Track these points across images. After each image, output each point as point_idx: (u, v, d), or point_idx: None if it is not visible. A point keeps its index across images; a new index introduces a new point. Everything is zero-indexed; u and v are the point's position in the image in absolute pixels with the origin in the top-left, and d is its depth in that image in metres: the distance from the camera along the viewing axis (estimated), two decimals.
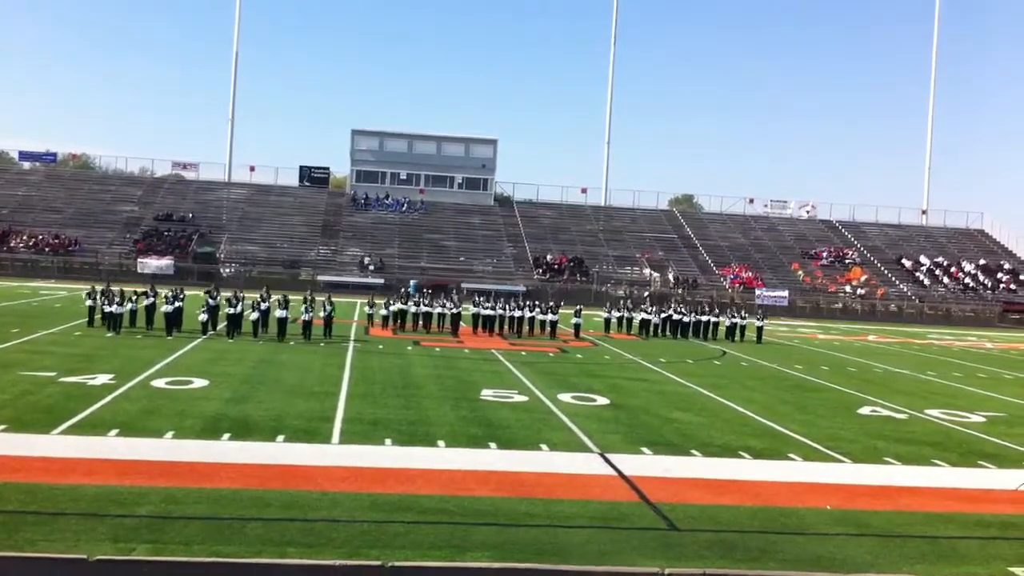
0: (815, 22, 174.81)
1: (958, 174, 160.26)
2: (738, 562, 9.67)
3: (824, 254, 77.20)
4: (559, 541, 10.05)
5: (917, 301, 70.33)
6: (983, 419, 20.55)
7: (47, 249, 62.57)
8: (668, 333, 38.39)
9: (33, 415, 15.08)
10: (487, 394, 19.90)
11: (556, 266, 68.82)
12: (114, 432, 14.14)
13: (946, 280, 74.66)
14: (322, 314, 30.13)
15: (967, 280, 74.56)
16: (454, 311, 34.66)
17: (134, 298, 29.44)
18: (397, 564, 8.77)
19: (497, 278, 65.82)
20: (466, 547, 9.60)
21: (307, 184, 79.79)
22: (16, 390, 17.21)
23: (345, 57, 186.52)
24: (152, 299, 29.49)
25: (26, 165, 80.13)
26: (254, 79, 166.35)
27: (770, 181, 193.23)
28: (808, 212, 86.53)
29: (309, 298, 29.97)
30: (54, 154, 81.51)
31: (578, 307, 36.89)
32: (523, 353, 28.74)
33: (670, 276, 69.27)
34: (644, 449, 15.14)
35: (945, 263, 77.28)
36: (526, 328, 35.31)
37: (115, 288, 29.71)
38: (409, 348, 28.49)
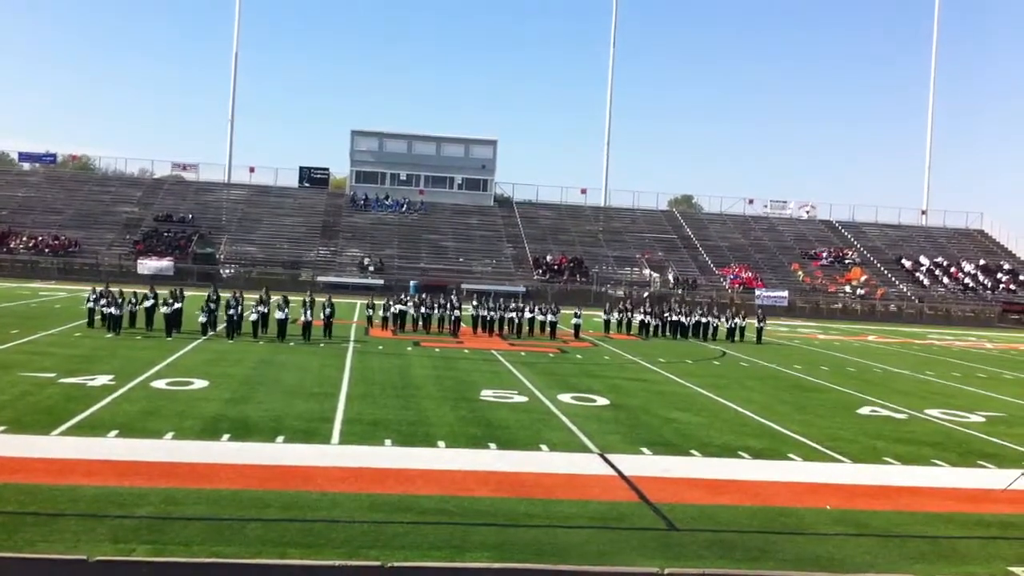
0: (815, 23, 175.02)
1: (958, 174, 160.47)
2: (737, 562, 9.67)
3: (824, 254, 77.23)
4: (559, 541, 10.05)
5: (917, 301, 70.35)
6: (983, 419, 20.56)
7: (47, 250, 62.59)
8: (668, 334, 38.39)
9: (33, 416, 15.08)
10: (487, 394, 19.90)
11: (556, 267, 68.82)
12: (114, 433, 14.14)
13: (946, 280, 74.68)
14: (322, 315, 30.14)
15: (967, 280, 74.58)
16: (455, 313, 34.64)
17: (134, 300, 29.43)
18: (397, 564, 8.78)
19: (497, 279, 65.85)
20: (466, 547, 9.60)
21: (307, 185, 79.84)
22: (16, 391, 17.21)
23: (344, 58, 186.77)
24: (152, 301, 29.47)
25: (26, 166, 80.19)
26: (254, 80, 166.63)
27: (770, 181, 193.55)
28: (808, 212, 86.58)
29: (309, 300, 29.95)
30: (54, 155, 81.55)
31: (578, 309, 36.76)
32: (523, 353, 28.74)
33: (670, 277, 69.28)
34: (643, 449, 15.15)
35: (945, 263, 77.31)
36: (526, 329, 35.32)
37: (114, 289, 29.70)
38: (409, 349, 28.49)
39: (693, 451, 15.28)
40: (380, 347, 28.59)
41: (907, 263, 77.34)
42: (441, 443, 14.77)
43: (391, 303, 35.24)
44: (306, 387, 19.56)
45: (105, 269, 60.44)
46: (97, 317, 28.99)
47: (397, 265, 66.77)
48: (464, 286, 62.03)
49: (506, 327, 35.22)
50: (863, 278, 72.78)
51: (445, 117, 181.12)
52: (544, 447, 14.89)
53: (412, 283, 62.12)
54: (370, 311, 34.91)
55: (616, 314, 39.61)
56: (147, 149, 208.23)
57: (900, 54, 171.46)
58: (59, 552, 8.72)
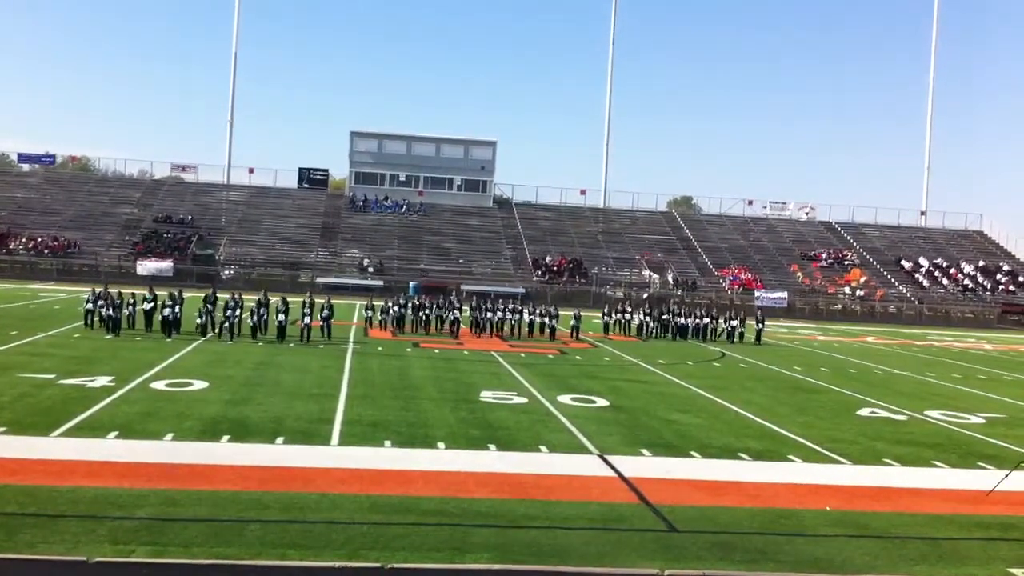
0: (814, 23, 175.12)
1: (957, 175, 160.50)
2: (737, 563, 9.66)
3: (823, 256, 77.25)
4: (558, 543, 10.04)
5: (916, 302, 70.37)
6: (983, 420, 20.56)
7: (46, 251, 62.58)
8: (667, 335, 38.38)
9: (32, 417, 15.07)
10: (486, 396, 19.90)
11: (555, 268, 68.82)
12: (113, 434, 14.13)
13: (945, 281, 74.69)
14: (320, 316, 30.09)
15: (966, 281, 74.60)
16: (453, 315, 34.60)
17: (132, 301, 29.35)
18: (396, 566, 8.78)
19: (496, 280, 65.85)
20: (465, 549, 9.59)
21: (306, 186, 79.85)
22: (15, 392, 17.20)
23: (344, 59, 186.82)
24: (151, 303, 29.37)
25: (25, 167, 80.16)
26: (253, 81, 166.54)
27: (769, 183, 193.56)
28: (807, 214, 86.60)
29: (309, 301, 29.92)
30: (53, 156, 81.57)
31: (577, 311, 36.61)
32: (522, 355, 28.73)
33: (669, 278, 69.28)
34: (643, 451, 15.14)
35: (944, 264, 77.33)
36: (525, 330, 35.32)
37: (113, 291, 29.61)
38: (408, 350, 28.49)
39: (693, 452, 15.27)
40: (380, 348, 28.59)
41: (906, 264, 77.36)
42: (441, 444, 14.76)
43: (390, 305, 35.24)
44: (306, 388, 19.55)
45: (104, 270, 60.42)
46: (96, 319, 28.93)
47: (397, 266, 66.78)
48: (464, 287, 62.08)
49: (506, 328, 35.19)
50: (863, 279, 72.80)
51: (444, 118, 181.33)
52: (544, 448, 14.88)
53: (412, 284, 62.15)
54: (368, 312, 34.90)
55: (615, 315, 39.61)
56: (146, 150, 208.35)
57: (899, 55, 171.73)
58: (59, 553, 8.71)
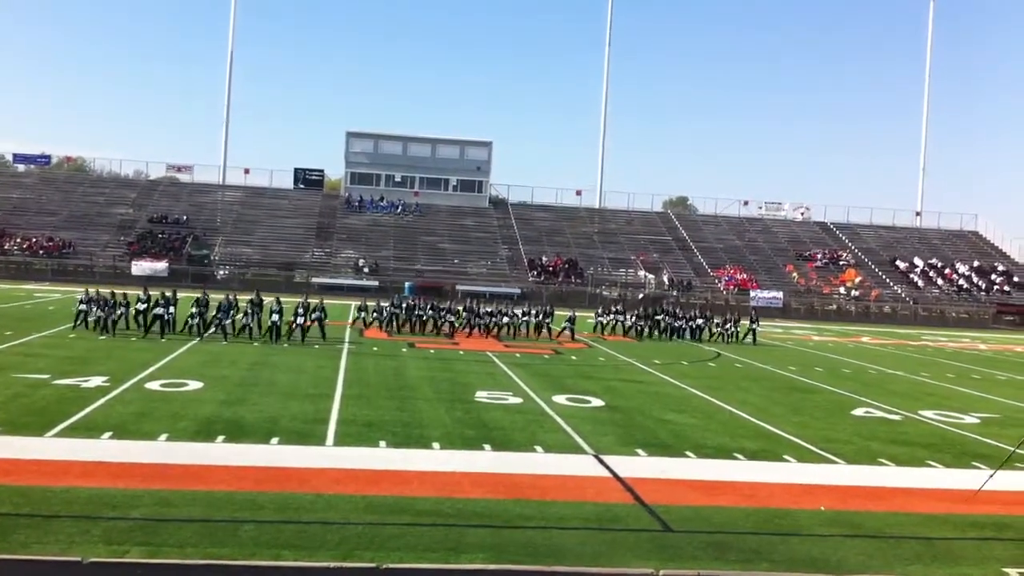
0: (809, 24, 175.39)
1: (952, 176, 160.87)
2: (732, 563, 9.67)
3: (818, 256, 77.35)
4: (553, 543, 10.05)
5: (911, 303, 70.49)
6: (977, 420, 20.60)
7: (41, 252, 62.43)
8: (663, 335, 38.33)
9: (26, 417, 15.04)
10: (481, 396, 19.90)
11: (551, 268, 68.83)
12: (108, 434, 14.11)
13: (940, 282, 74.83)
14: (312, 317, 29.87)
15: (961, 282, 74.74)
16: (448, 318, 34.48)
17: (126, 302, 29.12)
18: (391, 566, 8.78)
19: (492, 280, 65.85)
20: (460, 549, 9.60)
21: (301, 186, 79.76)
22: (9, 392, 17.17)
23: (340, 59, 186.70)
24: (145, 304, 29.21)
25: (20, 167, 79.98)
26: (248, 81, 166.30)
27: (764, 183, 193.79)
28: (802, 214, 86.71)
29: (304, 303, 29.81)
30: (48, 156, 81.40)
31: (572, 314, 36.41)
32: (517, 355, 28.74)
33: (665, 278, 69.33)
34: (638, 451, 15.15)
35: (939, 265, 77.47)
36: (522, 331, 35.27)
37: (105, 292, 29.45)
38: (403, 350, 28.47)
39: (688, 452, 15.29)
40: (375, 348, 28.57)
41: (901, 264, 77.48)
42: (436, 444, 14.76)
43: (383, 306, 35.04)
44: (301, 388, 19.54)
45: (99, 271, 60.38)
46: (91, 319, 28.74)
47: (392, 267, 66.72)
48: (459, 287, 62.08)
49: (502, 332, 34.97)
50: (857, 279, 72.91)
51: (440, 118, 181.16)
52: (539, 448, 14.89)
53: (407, 284, 62.12)
54: (362, 313, 34.87)
55: (607, 317, 39.45)
56: (142, 151, 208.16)
57: (895, 56, 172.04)
58: (53, 554, 8.70)
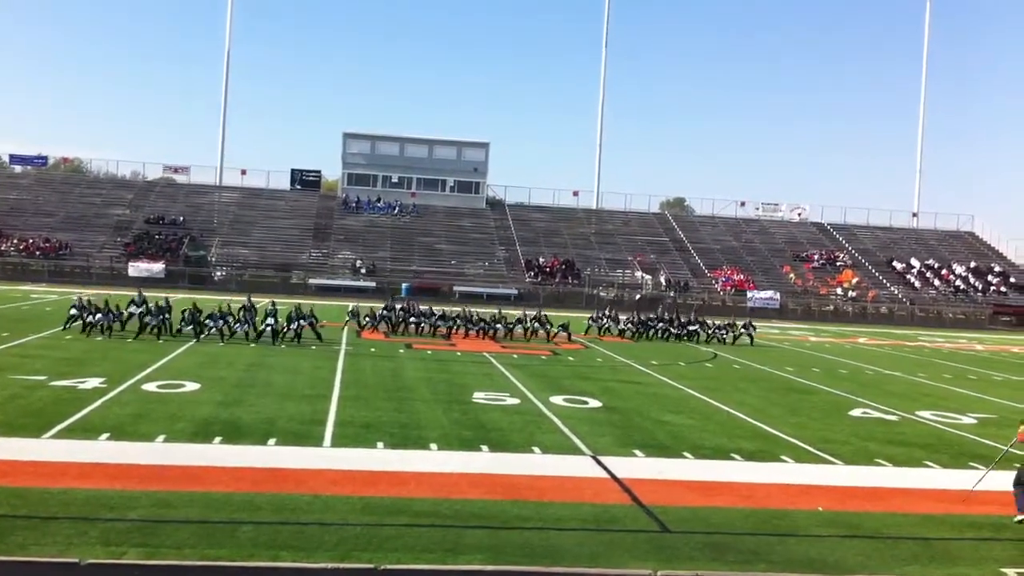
0: (807, 25, 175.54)
1: (949, 177, 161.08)
2: (730, 564, 9.68)
3: (815, 257, 77.41)
4: (551, 543, 10.05)
5: (908, 303, 70.58)
6: (974, 421, 20.63)
7: (38, 253, 62.34)
8: (660, 336, 38.27)
9: (23, 419, 15.02)
10: (479, 397, 19.90)
11: (548, 269, 68.84)
12: (105, 436, 14.10)
13: (937, 282, 74.93)
14: (304, 322, 29.62)
15: (957, 282, 74.84)
16: (440, 325, 34.35)
17: (118, 312, 28.90)
18: (389, 567, 8.78)
19: (489, 281, 65.87)
20: (458, 550, 9.60)
21: (298, 187, 79.67)
22: (6, 394, 17.15)
23: (337, 59, 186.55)
24: (140, 309, 29.03)
25: (17, 168, 79.86)
26: (245, 82, 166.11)
27: (761, 184, 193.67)
28: (799, 215, 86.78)
29: (296, 309, 29.68)
30: (45, 158, 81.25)
31: (565, 323, 36.07)
32: (514, 356, 28.74)
33: (662, 279, 69.36)
34: (636, 451, 15.16)
35: (936, 265, 77.57)
36: (519, 331, 35.18)
37: (95, 294, 29.27)
38: (401, 351, 28.46)
39: (686, 453, 15.29)
40: (372, 349, 28.57)
41: (898, 265, 77.58)
42: (433, 445, 14.76)
43: (375, 313, 34.80)
44: (298, 390, 19.53)
45: (96, 272, 60.33)
46: (85, 323, 28.55)
47: (389, 268, 66.70)
48: (457, 288, 62.09)
49: (497, 333, 34.83)
50: (854, 280, 72.99)
51: (437, 119, 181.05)
52: (536, 449, 14.89)
53: (404, 286, 62.13)
54: (349, 316, 34.96)
55: (601, 321, 39.20)
56: (139, 151, 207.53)
57: (891, 57, 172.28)
58: (50, 555, 8.69)
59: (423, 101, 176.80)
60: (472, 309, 37.17)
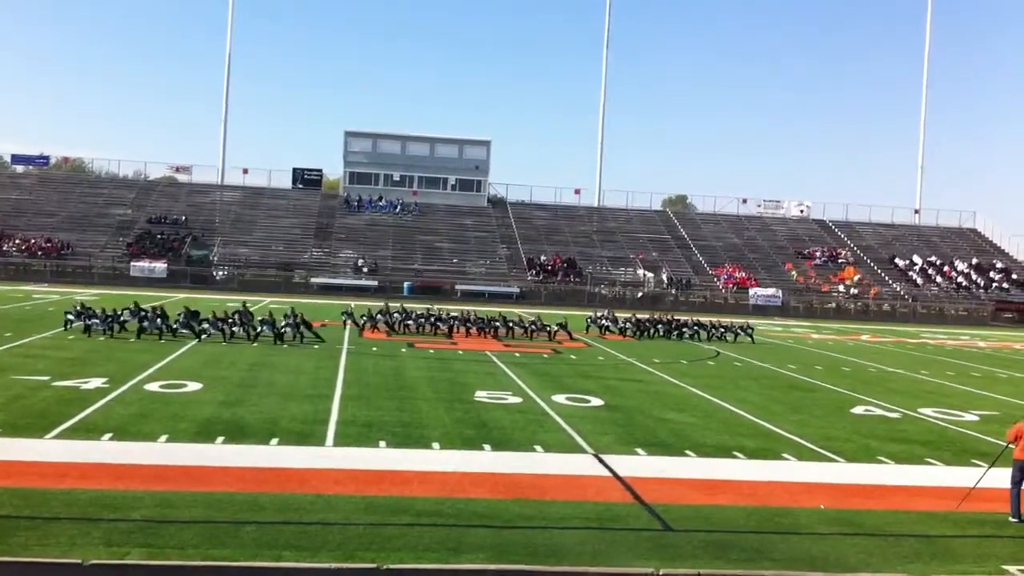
0: (809, 22, 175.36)
1: (951, 173, 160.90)
2: (732, 562, 9.69)
3: (817, 254, 77.35)
4: (554, 542, 10.06)
5: (910, 300, 70.51)
6: (976, 418, 20.62)
7: (40, 253, 62.38)
8: (660, 335, 38.17)
9: (26, 419, 15.05)
10: (481, 395, 19.90)
11: (550, 267, 68.83)
12: (108, 436, 14.12)
13: (939, 279, 74.86)
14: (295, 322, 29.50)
15: (960, 279, 74.77)
16: (440, 326, 34.30)
17: (114, 315, 28.80)
18: (392, 566, 8.79)
19: (491, 280, 65.87)
20: (461, 549, 9.61)
21: (300, 186, 79.68)
22: (9, 394, 17.17)
23: (338, 59, 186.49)
24: (137, 315, 28.87)
25: (19, 168, 79.92)
26: (247, 81, 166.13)
27: (763, 181, 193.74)
28: (801, 212, 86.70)
29: (291, 316, 29.61)
30: (47, 157, 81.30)
31: (562, 321, 35.99)
32: (517, 354, 28.74)
33: (664, 277, 69.33)
34: (638, 450, 15.16)
35: (938, 262, 77.49)
36: (516, 331, 35.07)
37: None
38: (403, 350, 28.47)
39: (688, 451, 15.30)
40: (374, 349, 28.58)
41: (900, 262, 77.50)
42: (436, 444, 14.77)
43: (374, 316, 34.72)
44: (300, 389, 19.54)
45: (98, 271, 60.37)
46: (80, 324, 28.51)
47: (391, 266, 66.70)
48: (458, 287, 62.09)
49: (498, 331, 34.77)
50: (856, 277, 72.92)
51: (439, 117, 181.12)
52: (539, 448, 14.90)
53: (406, 284, 62.16)
54: (344, 316, 35.08)
55: (599, 322, 39.04)
56: (141, 151, 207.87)
57: (894, 54, 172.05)
58: (53, 556, 8.71)
59: (424, 100, 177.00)
60: (470, 309, 37.06)
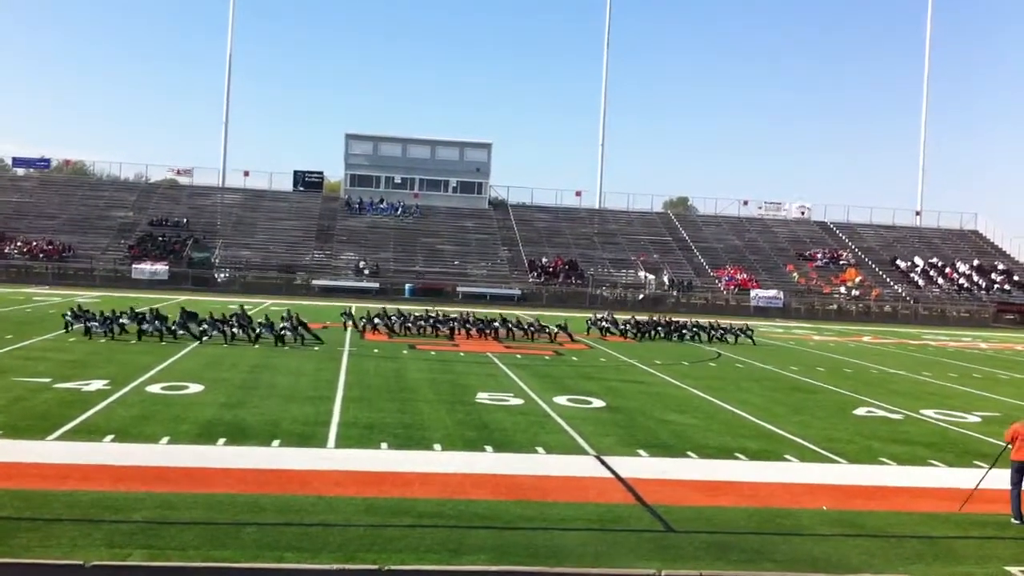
0: (810, 23, 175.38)
1: (952, 175, 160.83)
2: (734, 563, 9.68)
3: (819, 255, 77.32)
4: (555, 543, 10.05)
5: (912, 302, 70.47)
6: (978, 419, 20.60)
7: (41, 255, 62.42)
8: (661, 337, 38.15)
9: (28, 421, 15.05)
10: (483, 397, 19.90)
11: (551, 269, 68.83)
12: (109, 438, 14.12)
13: (940, 281, 74.82)
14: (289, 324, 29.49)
15: (961, 281, 74.72)
16: (446, 325, 34.29)
17: (112, 317, 28.79)
18: (393, 568, 8.77)
19: (492, 282, 65.87)
20: (462, 550, 9.60)
21: (301, 189, 79.73)
22: (10, 396, 17.18)
23: (339, 60, 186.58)
24: (130, 321, 28.85)
25: (20, 171, 79.98)
26: (248, 82, 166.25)
27: (764, 181, 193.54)
28: (803, 213, 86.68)
29: (287, 316, 29.61)
30: (48, 160, 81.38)
31: (562, 322, 35.98)
32: (518, 356, 28.73)
33: (665, 279, 69.32)
34: (640, 451, 15.16)
35: (939, 264, 77.45)
36: (516, 332, 35.05)
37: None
38: (404, 352, 28.47)
39: (690, 453, 15.29)
40: (375, 351, 28.57)
41: (902, 264, 77.47)
42: (437, 446, 14.77)
43: (373, 319, 34.73)
44: (302, 391, 19.54)
45: (100, 274, 60.39)
46: (79, 327, 28.51)
47: (392, 268, 66.72)
48: (460, 289, 62.09)
49: (500, 331, 34.79)
50: (858, 279, 72.90)
51: (440, 119, 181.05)
52: (540, 450, 14.89)
53: (408, 286, 62.17)
54: (343, 317, 35.06)
55: (601, 323, 39.00)
56: (141, 152, 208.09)
57: (895, 55, 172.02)
58: (55, 557, 8.70)
59: (425, 102, 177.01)
60: (468, 311, 37.05)
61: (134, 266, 61.27)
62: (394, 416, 17.15)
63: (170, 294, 51.49)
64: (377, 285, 62.34)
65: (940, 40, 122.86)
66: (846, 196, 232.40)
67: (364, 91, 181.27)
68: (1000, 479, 12.58)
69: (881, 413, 20.73)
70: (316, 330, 30.74)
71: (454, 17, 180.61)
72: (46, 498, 10.73)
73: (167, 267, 61.47)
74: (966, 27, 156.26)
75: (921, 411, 21.30)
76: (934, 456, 16.06)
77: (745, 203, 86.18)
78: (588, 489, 12.53)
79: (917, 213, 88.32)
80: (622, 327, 38.38)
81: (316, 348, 27.98)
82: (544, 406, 19.15)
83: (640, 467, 14.06)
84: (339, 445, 14.60)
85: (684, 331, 38.29)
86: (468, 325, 34.52)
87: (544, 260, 70.21)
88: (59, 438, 14.04)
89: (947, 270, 76.34)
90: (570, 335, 34.79)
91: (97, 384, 18.99)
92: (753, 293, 66.94)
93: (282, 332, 28.56)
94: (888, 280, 74.43)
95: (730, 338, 38.10)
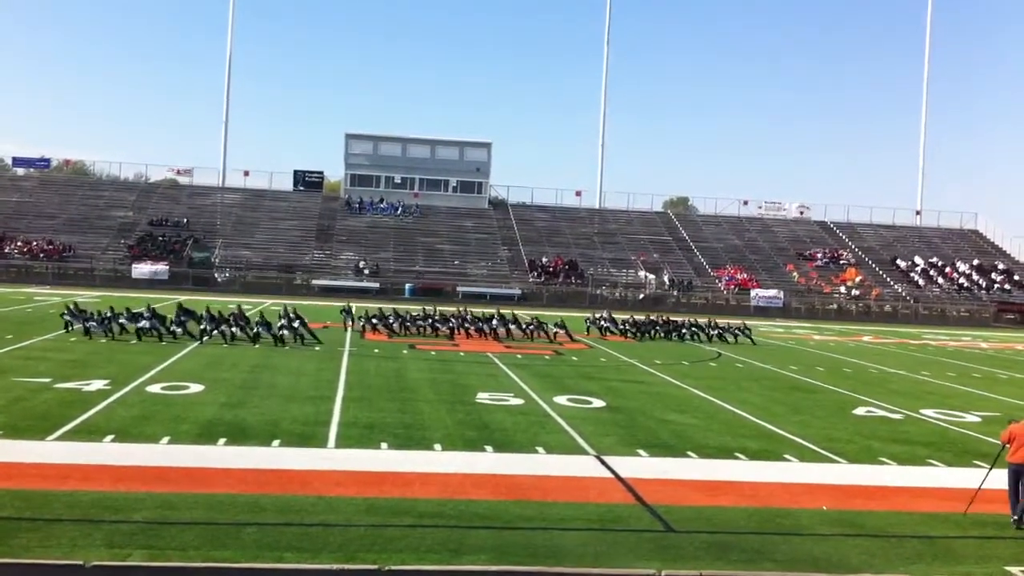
0: (810, 23, 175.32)
1: (952, 174, 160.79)
2: (734, 563, 9.68)
3: (819, 255, 77.33)
4: (555, 544, 10.06)
5: (912, 302, 70.47)
6: (978, 419, 20.60)
7: (41, 255, 62.44)
8: (661, 336, 38.14)
9: (28, 421, 15.05)
10: (483, 397, 19.90)
11: (551, 269, 68.84)
12: (109, 438, 14.13)
13: (941, 280, 74.82)
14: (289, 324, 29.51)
15: (962, 280, 74.73)
16: (440, 327, 34.26)
17: (110, 315, 28.78)
18: (394, 568, 8.77)
19: (492, 281, 65.88)
20: (462, 550, 9.61)
21: (301, 188, 79.75)
22: (10, 396, 17.19)
23: (339, 59, 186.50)
24: (126, 320, 28.82)
25: (20, 171, 79.99)
26: (247, 83, 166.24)
27: (764, 181, 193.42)
28: (802, 213, 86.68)
29: (284, 313, 29.58)
30: (48, 160, 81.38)
31: (559, 321, 35.93)
32: (518, 356, 28.74)
33: (665, 278, 69.33)
34: (640, 451, 15.16)
35: (940, 263, 77.46)
36: (516, 333, 35.02)
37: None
38: (404, 352, 28.47)
39: (690, 452, 15.29)
40: (376, 350, 28.58)
41: (902, 263, 77.48)
42: (437, 446, 14.77)
43: (372, 319, 34.71)
44: (302, 391, 19.55)
45: (100, 274, 60.41)
46: (78, 327, 28.52)
47: (392, 268, 66.72)
48: (460, 289, 62.08)
49: (500, 331, 34.78)
50: (858, 279, 72.90)
51: (439, 119, 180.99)
52: (540, 449, 14.90)
53: (408, 286, 62.18)
54: (343, 315, 35.10)
55: (599, 324, 38.96)
56: (140, 153, 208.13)
57: (895, 54, 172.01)
58: (55, 557, 8.70)
59: (425, 101, 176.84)
60: (470, 309, 37.06)
61: (134, 266, 61.29)
62: (394, 416, 17.15)
63: (170, 294, 51.49)
64: (377, 285, 62.36)
65: (940, 40, 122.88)
66: (846, 196, 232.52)
67: (364, 91, 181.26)
68: (1000, 479, 12.59)
69: (881, 413, 20.74)
70: (316, 330, 30.74)
71: (454, 17, 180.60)
72: (46, 498, 10.74)
73: (167, 267, 61.48)
74: (966, 27, 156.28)
75: (921, 411, 21.30)
76: (934, 456, 16.06)
77: (745, 203, 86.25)
78: (588, 489, 12.53)
79: (917, 213, 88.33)
80: (622, 326, 38.39)
81: (316, 348, 27.99)
82: (544, 406, 19.15)
83: (640, 467, 14.07)
84: (339, 445, 14.61)
85: (683, 330, 38.29)
86: (466, 324, 34.52)
87: (544, 260, 70.21)
88: (59, 438, 14.04)
89: (947, 270, 76.35)
90: (569, 334, 34.78)
91: (97, 384, 18.99)
92: (753, 293, 66.96)
93: (280, 332, 28.56)
94: (888, 280, 74.44)
95: (729, 337, 38.13)
